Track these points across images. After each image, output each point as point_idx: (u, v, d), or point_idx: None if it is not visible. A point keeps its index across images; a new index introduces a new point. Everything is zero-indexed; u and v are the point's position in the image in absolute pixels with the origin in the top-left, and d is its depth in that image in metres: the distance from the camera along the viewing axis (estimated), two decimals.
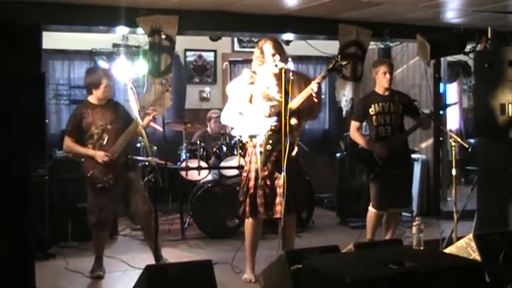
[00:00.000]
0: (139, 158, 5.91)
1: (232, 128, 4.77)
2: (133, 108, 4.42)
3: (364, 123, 5.47)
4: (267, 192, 4.44)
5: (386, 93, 5.24)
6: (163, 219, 6.57)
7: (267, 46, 4.45)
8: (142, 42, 6.29)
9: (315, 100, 4.39)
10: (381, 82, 5.25)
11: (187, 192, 6.39)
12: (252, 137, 4.49)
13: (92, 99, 4.81)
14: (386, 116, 5.21)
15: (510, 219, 4.68)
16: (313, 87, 4.31)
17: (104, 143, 4.73)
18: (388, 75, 5.21)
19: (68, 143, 4.77)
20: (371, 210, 5.26)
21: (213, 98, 8.05)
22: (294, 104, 4.35)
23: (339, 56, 4.59)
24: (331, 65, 4.48)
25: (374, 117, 5.22)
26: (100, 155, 4.66)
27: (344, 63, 4.55)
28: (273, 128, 4.37)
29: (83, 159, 4.74)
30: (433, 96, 7.22)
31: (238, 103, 4.52)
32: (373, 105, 5.22)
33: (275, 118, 4.38)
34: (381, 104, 5.21)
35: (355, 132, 5.33)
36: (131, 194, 4.80)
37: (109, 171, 4.68)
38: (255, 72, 4.52)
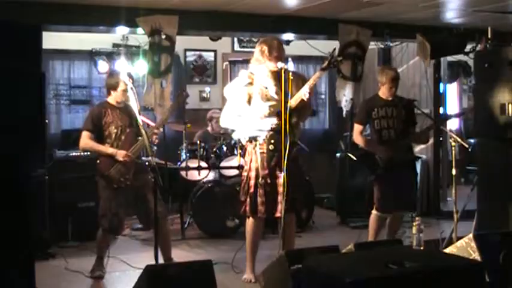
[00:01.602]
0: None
1: (232, 131, 4.77)
2: (134, 109, 4.41)
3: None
4: (268, 191, 4.44)
5: (390, 98, 5.23)
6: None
7: (272, 46, 4.44)
8: (142, 42, 6.28)
9: (304, 100, 4.40)
10: (385, 92, 5.23)
11: (187, 192, 6.39)
12: (252, 138, 4.48)
13: (111, 100, 4.80)
14: (389, 120, 5.19)
15: (510, 219, 4.69)
16: (305, 93, 4.32)
17: (121, 143, 4.70)
18: (393, 89, 5.19)
19: (87, 139, 4.70)
20: (374, 213, 5.22)
21: (213, 98, 8.05)
22: (294, 102, 4.35)
23: (334, 52, 4.58)
24: (326, 62, 4.48)
25: (376, 121, 5.21)
26: (121, 154, 4.62)
27: (340, 58, 4.55)
28: (274, 127, 4.37)
29: (98, 161, 4.71)
30: (433, 96, 7.22)
31: (237, 105, 4.51)
32: (376, 109, 5.20)
33: (275, 118, 4.38)
34: (384, 109, 5.20)
35: (359, 136, 5.29)
36: (147, 197, 4.69)
37: (126, 171, 4.66)
38: (253, 73, 4.52)
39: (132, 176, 4.69)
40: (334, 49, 4.69)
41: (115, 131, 4.71)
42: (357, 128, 5.30)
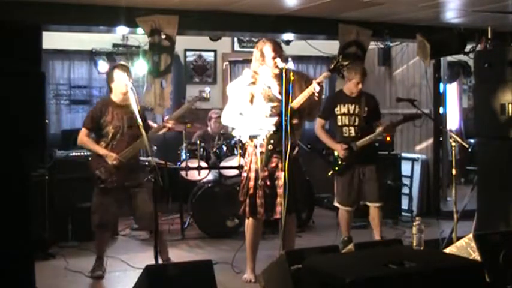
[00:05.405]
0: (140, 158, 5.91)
1: (233, 129, 4.77)
2: (134, 109, 4.40)
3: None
4: (267, 193, 4.44)
5: (354, 95, 5.32)
6: (163, 219, 6.56)
7: (267, 48, 4.42)
8: (142, 42, 6.29)
9: (316, 99, 4.40)
10: (351, 88, 5.32)
11: (187, 192, 6.39)
12: (252, 137, 4.49)
13: (114, 97, 4.79)
14: (351, 117, 5.32)
15: (510, 219, 4.69)
16: (315, 86, 4.31)
17: (116, 143, 4.71)
18: (360, 86, 5.30)
19: (83, 136, 4.76)
20: (337, 206, 5.43)
21: (213, 98, 8.04)
22: (296, 103, 4.35)
23: (340, 57, 4.61)
24: (332, 65, 4.50)
25: (338, 117, 5.35)
26: (111, 157, 4.64)
27: (345, 63, 4.57)
28: (276, 128, 4.36)
29: (90, 158, 4.77)
30: (433, 96, 7.22)
31: (239, 103, 4.51)
32: (339, 105, 5.34)
33: (276, 118, 4.38)
34: (346, 105, 5.32)
35: (320, 129, 5.46)
36: (138, 197, 4.74)
37: (114, 173, 4.67)
38: (257, 72, 4.51)
39: (122, 177, 4.70)
40: (340, 55, 4.71)
41: (112, 131, 4.71)
42: (319, 122, 5.45)
